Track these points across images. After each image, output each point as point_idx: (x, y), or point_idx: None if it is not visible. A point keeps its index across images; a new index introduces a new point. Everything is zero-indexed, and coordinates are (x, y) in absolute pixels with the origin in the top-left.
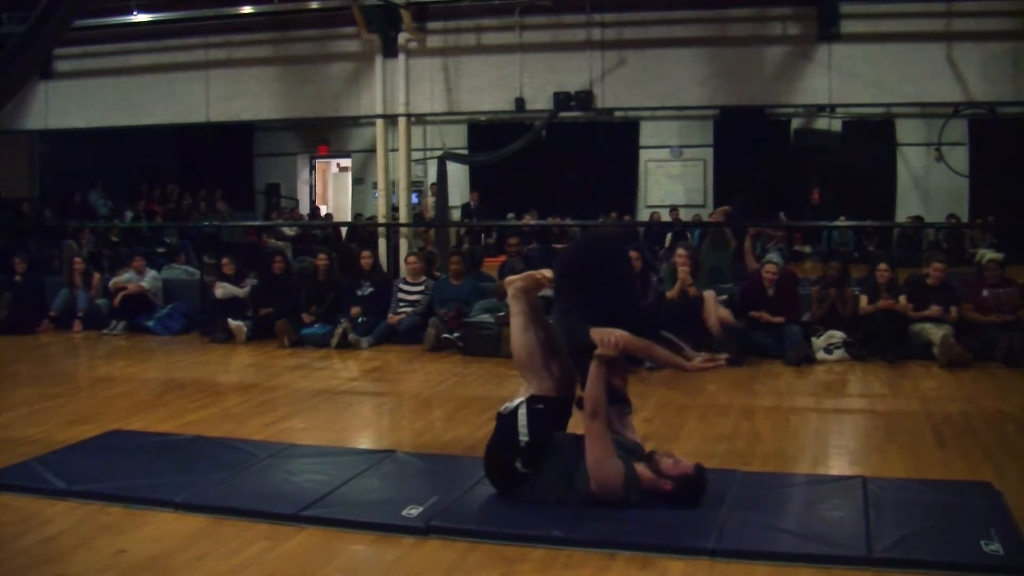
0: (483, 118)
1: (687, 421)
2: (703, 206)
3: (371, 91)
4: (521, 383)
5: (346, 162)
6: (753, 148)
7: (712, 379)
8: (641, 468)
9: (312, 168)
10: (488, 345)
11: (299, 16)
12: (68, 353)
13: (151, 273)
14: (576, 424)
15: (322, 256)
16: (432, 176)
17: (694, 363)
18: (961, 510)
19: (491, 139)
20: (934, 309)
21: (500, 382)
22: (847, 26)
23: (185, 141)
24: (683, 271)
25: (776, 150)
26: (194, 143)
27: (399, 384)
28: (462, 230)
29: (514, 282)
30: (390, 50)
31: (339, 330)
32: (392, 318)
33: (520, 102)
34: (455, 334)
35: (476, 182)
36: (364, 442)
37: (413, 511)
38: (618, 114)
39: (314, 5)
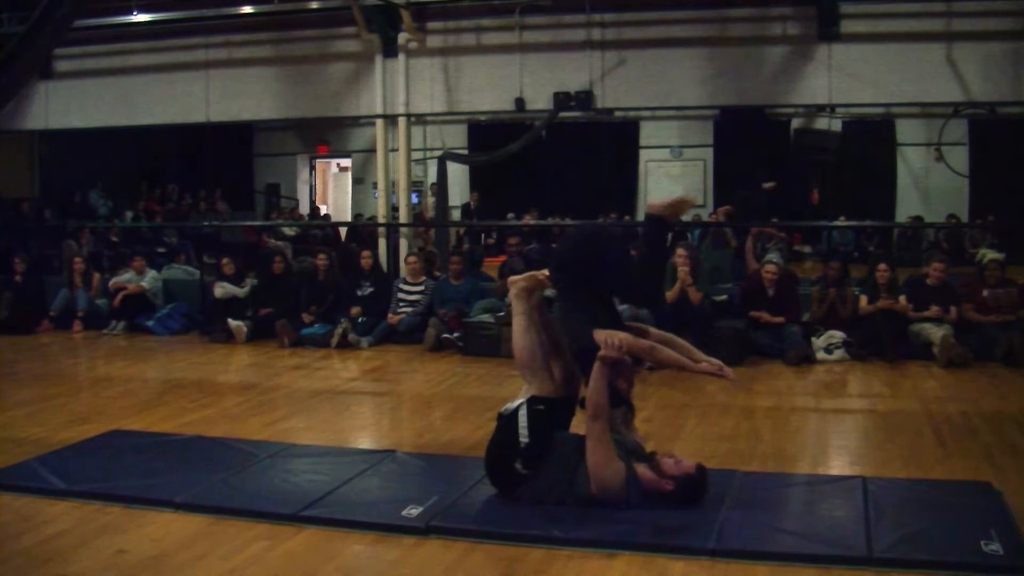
0: (483, 118)
1: (687, 421)
2: (703, 206)
3: (371, 91)
4: (522, 383)
5: (346, 162)
6: (753, 148)
7: (712, 379)
8: (642, 469)
9: (312, 168)
10: (488, 345)
11: (299, 16)
12: (68, 353)
13: (151, 273)
14: (577, 425)
15: (322, 256)
16: (432, 176)
17: (701, 365)
18: (961, 510)
19: (491, 139)
20: (934, 309)
21: (500, 382)
22: (847, 26)
23: (185, 141)
24: (683, 271)
25: (776, 150)
26: (194, 143)
27: (399, 384)
28: (462, 230)
29: (517, 282)
30: (390, 50)
31: (339, 330)
32: (392, 318)
33: (520, 102)
34: (455, 334)
35: (476, 182)
36: (364, 442)
37: (413, 511)
38: (618, 114)
39: (314, 5)
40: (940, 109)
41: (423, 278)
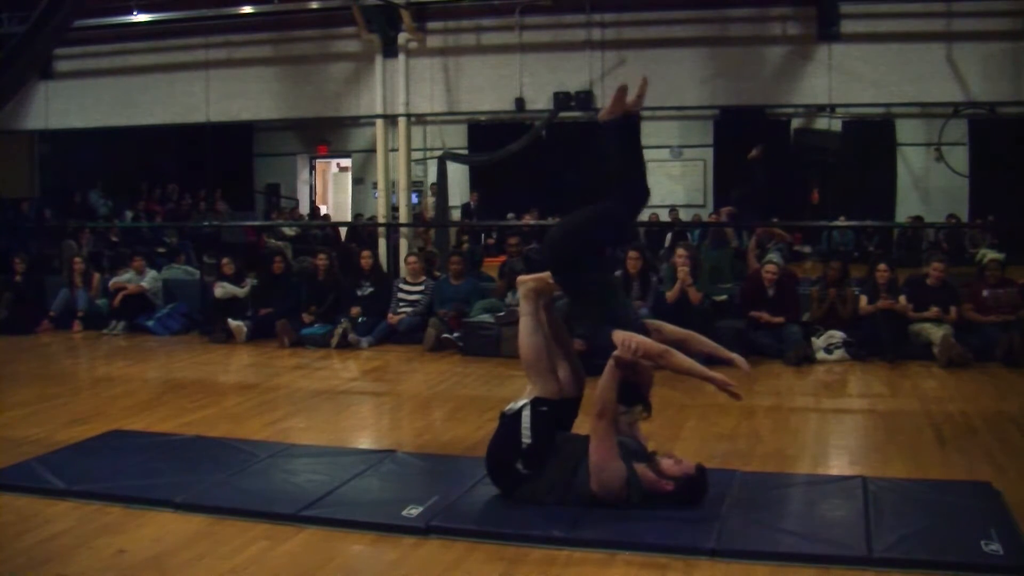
0: (483, 118)
1: (687, 421)
2: (703, 206)
3: (371, 91)
4: (525, 384)
5: (346, 162)
6: (753, 148)
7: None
8: (642, 469)
9: (312, 168)
10: (488, 345)
11: (299, 16)
12: (68, 353)
13: (151, 273)
14: (579, 426)
15: (322, 256)
16: (432, 176)
17: (720, 377)
18: (961, 510)
19: (491, 139)
20: (934, 310)
21: (500, 382)
22: (847, 26)
23: (185, 141)
24: (683, 271)
25: (776, 150)
26: (194, 143)
27: (399, 384)
28: (462, 230)
29: (526, 282)
30: (390, 50)
31: (339, 330)
32: (392, 318)
33: (520, 102)
34: (455, 334)
35: (476, 182)
36: (364, 442)
37: (413, 511)
38: None
39: (314, 5)
40: (940, 109)
41: (423, 278)
